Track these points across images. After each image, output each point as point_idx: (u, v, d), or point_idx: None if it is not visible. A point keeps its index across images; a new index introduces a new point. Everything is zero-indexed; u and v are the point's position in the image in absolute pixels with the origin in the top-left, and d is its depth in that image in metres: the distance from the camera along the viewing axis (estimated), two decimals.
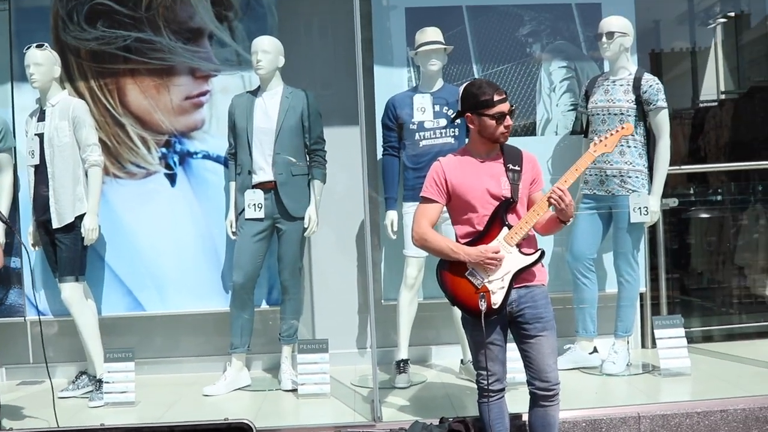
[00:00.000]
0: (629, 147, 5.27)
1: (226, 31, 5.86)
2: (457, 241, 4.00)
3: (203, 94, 5.84)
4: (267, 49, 5.40)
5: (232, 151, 5.56)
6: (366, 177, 4.75)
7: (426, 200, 4.01)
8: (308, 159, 5.48)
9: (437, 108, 5.40)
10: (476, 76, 5.72)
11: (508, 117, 3.90)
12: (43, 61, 5.35)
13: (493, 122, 3.89)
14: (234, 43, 5.86)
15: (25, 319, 5.80)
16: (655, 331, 5.34)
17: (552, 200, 3.80)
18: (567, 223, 3.91)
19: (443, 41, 5.45)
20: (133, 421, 4.81)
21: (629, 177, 5.29)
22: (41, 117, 5.41)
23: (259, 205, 5.35)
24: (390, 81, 5.76)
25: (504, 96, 3.91)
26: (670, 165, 5.40)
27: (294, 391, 5.32)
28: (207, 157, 5.87)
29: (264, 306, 5.82)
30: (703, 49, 7.77)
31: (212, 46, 5.86)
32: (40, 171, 5.37)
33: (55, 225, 5.30)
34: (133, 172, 5.87)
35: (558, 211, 3.84)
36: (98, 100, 5.84)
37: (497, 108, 3.87)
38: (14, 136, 5.66)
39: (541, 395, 3.96)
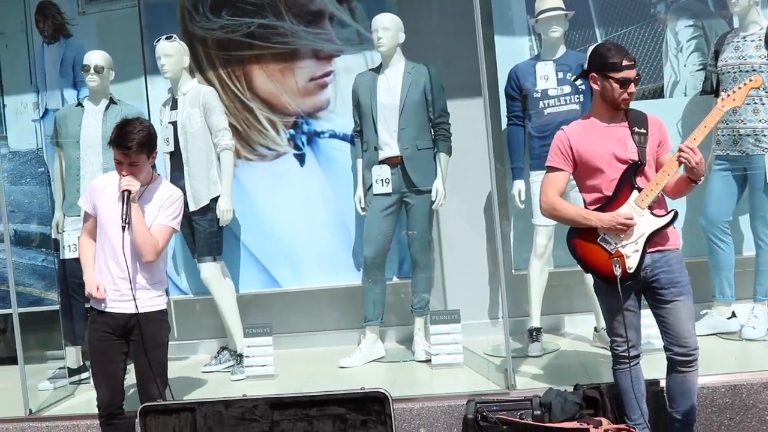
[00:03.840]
0: (763, 104, 5.09)
1: (346, 12, 5.95)
2: (586, 207, 3.98)
3: (327, 74, 5.95)
4: (387, 26, 5.45)
5: (357, 129, 5.66)
6: (491, 148, 4.76)
7: (552, 169, 4.00)
8: (433, 133, 5.52)
9: (560, 75, 5.35)
10: (599, 41, 5.62)
11: (632, 84, 3.86)
12: (172, 52, 5.56)
13: (617, 87, 3.85)
14: (354, 23, 5.94)
15: (168, 299, 6.09)
16: None
17: (682, 158, 3.73)
18: (698, 183, 3.82)
19: (563, 7, 5.38)
20: (273, 392, 4.98)
21: (764, 135, 5.11)
22: (174, 106, 5.63)
23: (387, 180, 5.43)
24: (512, 51, 5.72)
25: (632, 63, 3.87)
26: None
27: (428, 361, 5.39)
28: (334, 136, 5.99)
29: (395, 279, 5.91)
30: None
31: (333, 27, 5.96)
32: (176, 157, 5.59)
33: (192, 208, 5.52)
34: (264, 154, 6.05)
35: (688, 170, 3.76)
36: (227, 87, 6.03)
37: (623, 73, 3.83)
38: None
39: (680, 361, 3.92)
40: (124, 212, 4.13)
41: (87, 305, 4.51)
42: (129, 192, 4.15)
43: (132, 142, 4.13)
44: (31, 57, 6.21)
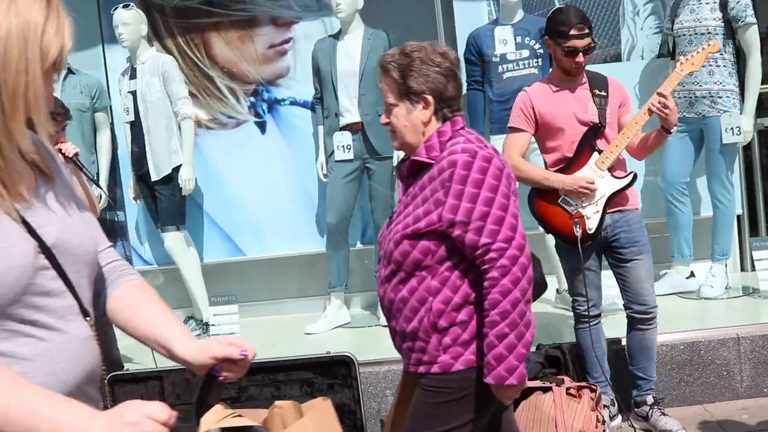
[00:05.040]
0: (718, 66, 5.15)
1: None
2: (547, 169, 4.02)
3: (286, 41, 5.91)
4: None
5: (318, 96, 5.64)
6: None
7: (514, 130, 4.03)
8: None
9: (519, 39, 5.37)
10: (557, 5, 5.64)
11: (580, 54, 3.86)
12: (130, 20, 5.50)
13: (563, 55, 3.88)
14: None
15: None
16: (753, 252, 5.25)
17: (654, 107, 3.76)
18: (671, 132, 3.87)
19: None
20: None
21: (719, 97, 5.18)
22: (133, 75, 5.57)
23: (348, 147, 5.43)
24: (470, 16, 5.71)
25: (584, 32, 3.85)
26: (763, 83, 5.27)
27: None
28: (294, 103, 5.96)
29: (359, 245, 5.93)
30: None
31: None
32: (136, 127, 5.55)
33: (154, 177, 5.49)
34: (224, 122, 6.01)
35: (662, 119, 3.80)
36: (185, 55, 5.97)
37: (570, 42, 3.85)
38: (109, 96, 5.86)
39: (639, 318, 4.00)
40: (88, 174, 4.12)
41: None
42: (77, 154, 4.15)
43: (64, 108, 4.17)
44: None
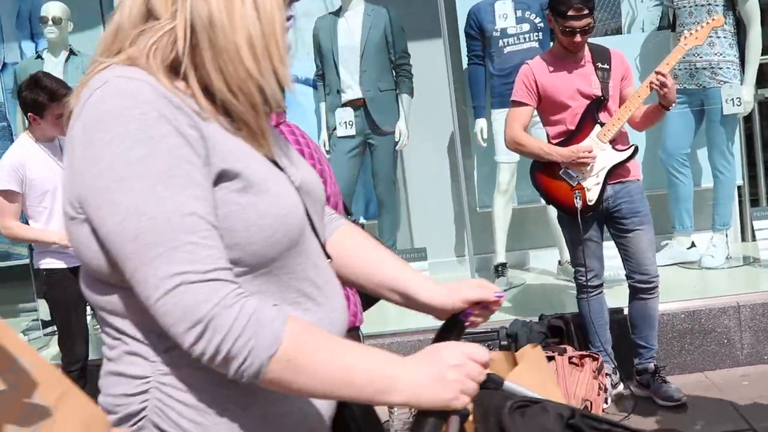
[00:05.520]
0: (718, 38, 5.15)
1: None
2: (549, 142, 4.05)
3: (287, 19, 5.88)
4: None
5: (319, 73, 5.66)
6: (452, 88, 4.81)
7: (516, 104, 4.06)
8: (395, 74, 5.54)
9: (519, 13, 5.37)
10: None
11: (578, 34, 3.86)
12: None
13: (561, 33, 3.89)
14: None
15: None
16: (753, 222, 5.31)
17: (653, 85, 3.79)
18: (669, 109, 3.90)
19: None
20: None
21: (720, 68, 5.19)
22: None
23: (350, 123, 5.45)
24: None
25: (583, 12, 3.83)
26: (763, 54, 5.28)
27: None
28: (296, 80, 5.95)
29: (362, 220, 5.95)
30: None
31: None
32: None
33: None
34: None
35: (660, 96, 3.82)
36: None
37: (568, 23, 3.85)
38: None
39: (641, 288, 4.04)
40: None
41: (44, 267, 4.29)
42: None
43: (68, 88, 4.08)
44: None
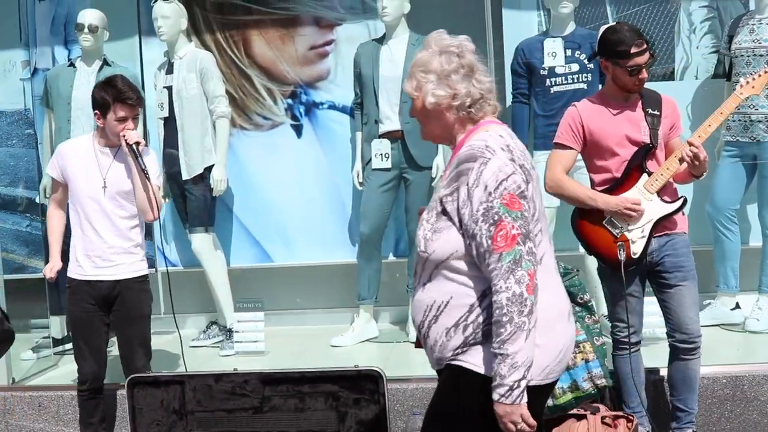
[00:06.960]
0: None
1: None
2: (593, 188, 3.87)
3: (328, 43, 5.81)
4: None
5: (358, 101, 5.52)
6: None
7: (560, 146, 3.90)
8: None
9: (569, 53, 5.21)
10: (610, 19, 5.49)
11: (643, 70, 3.73)
12: (170, 13, 5.41)
13: (627, 75, 3.73)
14: None
15: (156, 271, 5.93)
16: None
17: (685, 157, 3.64)
18: (700, 178, 3.78)
19: None
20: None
21: None
22: (169, 70, 5.48)
23: (386, 155, 5.30)
24: (519, 26, 5.57)
25: (643, 48, 3.71)
26: None
27: None
28: (333, 107, 5.86)
29: (391, 257, 5.80)
30: None
31: None
32: (170, 124, 5.46)
33: (185, 176, 5.39)
34: (260, 123, 5.92)
35: (691, 166, 3.67)
36: (224, 52, 5.90)
37: (633, 61, 3.70)
38: (143, 90, 5.76)
39: (682, 348, 3.86)
40: (142, 164, 4.04)
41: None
42: (139, 144, 4.06)
43: (138, 94, 4.09)
44: (22, 13, 6.02)
